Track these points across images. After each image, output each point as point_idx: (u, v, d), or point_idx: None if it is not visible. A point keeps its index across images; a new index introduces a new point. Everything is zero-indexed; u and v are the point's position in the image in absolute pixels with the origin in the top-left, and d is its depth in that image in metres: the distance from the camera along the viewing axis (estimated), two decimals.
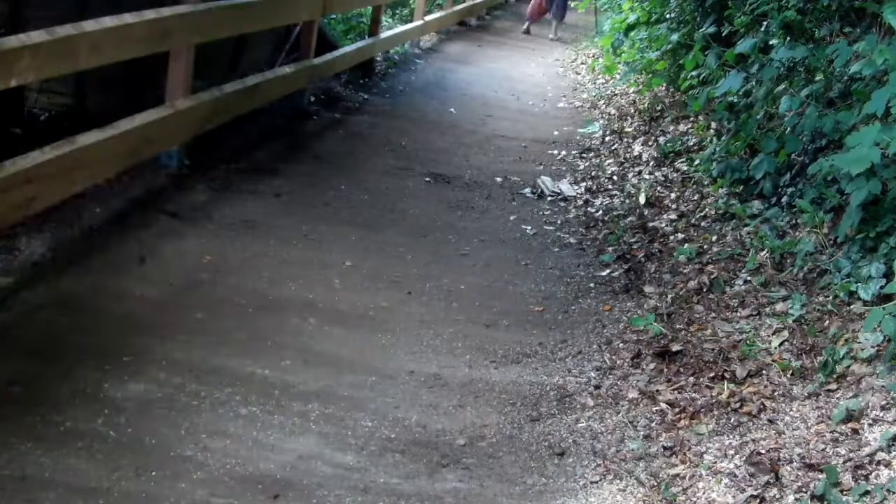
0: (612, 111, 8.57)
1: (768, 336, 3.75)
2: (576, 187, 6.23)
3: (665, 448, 3.11)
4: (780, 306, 3.95)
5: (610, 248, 5.03)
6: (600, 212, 5.70)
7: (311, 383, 3.38)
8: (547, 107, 9.11)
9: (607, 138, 7.49)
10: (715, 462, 2.98)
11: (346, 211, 5.21)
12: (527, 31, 14.46)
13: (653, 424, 3.28)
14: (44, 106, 5.29)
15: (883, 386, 3.16)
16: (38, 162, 3.68)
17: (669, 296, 4.27)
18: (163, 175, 5.07)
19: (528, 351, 3.86)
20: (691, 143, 6.68)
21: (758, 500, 2.76)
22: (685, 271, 4.52)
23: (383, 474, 2.92)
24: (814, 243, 4.26)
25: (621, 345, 3.89)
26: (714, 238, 4.90)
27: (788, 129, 5.05)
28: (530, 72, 11.07)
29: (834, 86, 4.77)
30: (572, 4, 14.19)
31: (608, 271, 4.74)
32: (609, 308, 4.29)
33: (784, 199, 4.86)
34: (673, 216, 5.39)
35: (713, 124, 6.54)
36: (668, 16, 8.14)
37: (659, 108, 7.98)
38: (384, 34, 9.11)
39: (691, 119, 7.23)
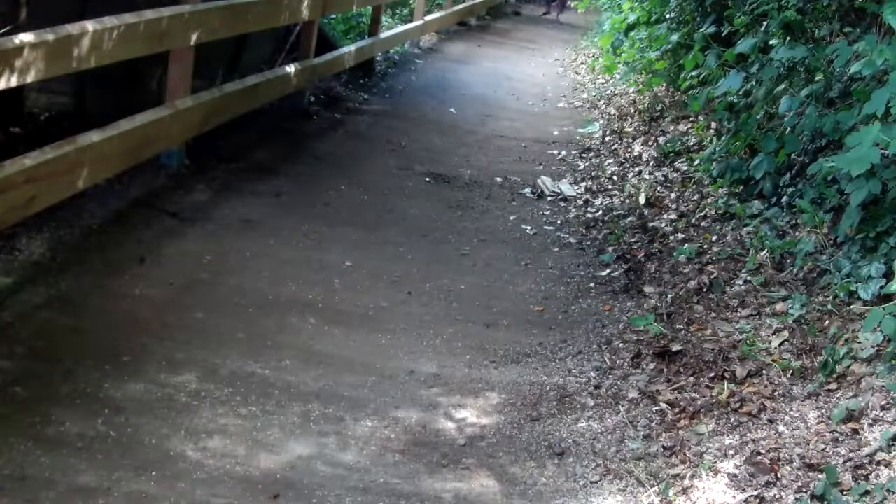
0: (612, 111, 8.57)
1: (768, 336, 3.75)
2: (576, 187, 6.23)
3: (665, 448, 3.11)
4: (780, 306, 3.95)
5: (610, 248, 5.02)
6: (600, 212, 5.70)
7: (311, 383, 3.38)
8: (547, 107, 9.11)
9: (607, 138, 7.49)
10: (715, 462, 2.98)
11: (346, 211, 5.21)
12: (546, 13, 17.27)
13: (653, 424, 3.28)
14: (44, 106, 5.28)
15: (883, 386, 3.16)
16: (38, 162, 3.68)
17: (669, 296, 4.27)
18: (163, 175, 5.07)
19: (528, 351, 3.86)
20: (691, 143, 6.68)
21: (758, 500, 2.76)
22: (685, 271, 4.52)
23: (383, 474, 2.92)
24: (814, 243, 4.26)
25: (621, 345, 3.89)
26: (714, 238, 4.90)
27: (788, 129, 5.05)
28: (530, 72, 11.06)
29: (834, 86, 4.78)
30: (571, 4, 14.36)
31: (608, 271, 4.74)
32: (609, 308, 4.30)
33: (784, 199, 4.86)
34: (673, 216, 5.39)
35: (713, 124, 6.54)
36: (668, 16, 8.14)
37: (659, 108, 7.98)
38: (384, 34, 9.11)
39: (691, 119, 7.23)
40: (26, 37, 3.53)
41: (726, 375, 3.51)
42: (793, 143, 4.93)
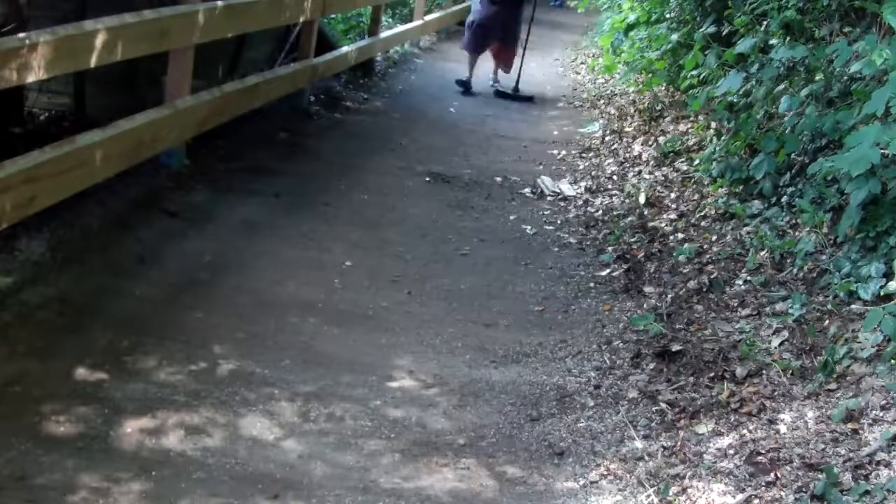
0: (612, 111, 8.57)
1: (768, 336, 3.75)
2: (576, 187, 6.22)
3: (665, 448, 3.11)
4: (780, 306, 3.95)
5: (610, 248, 5.02)
6: (600, 212, 5.70)
7: (311, 383, 3.38)
8: (547, 106, 9.11)
9: (607, 138, 7.49)
10: (715, 462, 2.98)
11: (346, 211, 5.21)
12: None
13: (653, 424, 3.27)
14: (44, 106, 5.29)
15: (883, 386, 3.15)
16: (38, 162, 3.68)
17: (669, 296, 4.27)
18: (163, 175, 5.07)
19: (527, 351, 3.86)
20: (691, 143, 6.67)
21: (758, 500, 2.76)
22: (685, 271, 4.52)
23: (383, 474, 2.92)
24: (814, 243, 4.26)
25: (621, 345, 3.89)
26: (714, 238, 4.90)
27: (788, 128, 5.05)
28: (530, 71, 11.01)
29: (834, 86, 4.77)
30: (571, 4, 14.44)
31: (608, 271, 4.74)
32: (609, 308, 4.29)
33: (784, 199, 4.85)
34: (673, 216, 5.39)
35: (713, 124, 6.53)
36: (668, 16, 8.13)
37: (659, 108, 7.98)
38: (384, 34, 9.11)
39: (691, 119, 7.23)
40: (27, 36, 3.53)
41: (726, 375, 3.51)
42: (793, 143, 4.93)
